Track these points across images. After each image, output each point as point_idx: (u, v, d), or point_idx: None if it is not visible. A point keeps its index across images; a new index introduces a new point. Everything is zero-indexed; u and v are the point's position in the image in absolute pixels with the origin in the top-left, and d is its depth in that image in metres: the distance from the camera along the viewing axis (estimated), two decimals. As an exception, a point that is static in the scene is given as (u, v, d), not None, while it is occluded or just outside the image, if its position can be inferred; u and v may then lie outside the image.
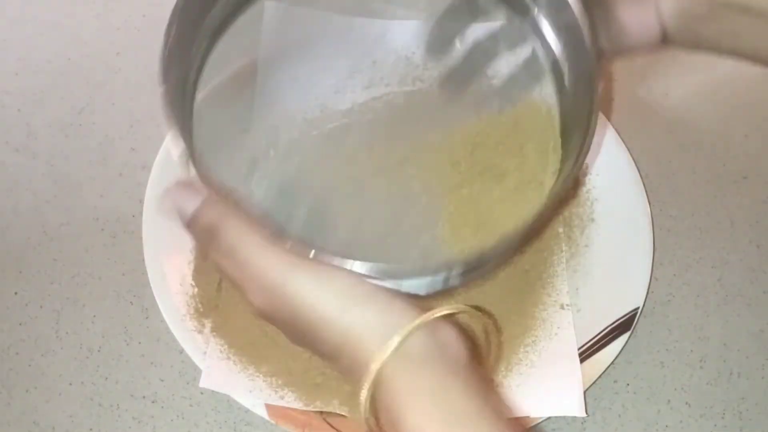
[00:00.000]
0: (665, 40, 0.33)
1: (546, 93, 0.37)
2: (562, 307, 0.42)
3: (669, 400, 0.43)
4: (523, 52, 0.38)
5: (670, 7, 0.32)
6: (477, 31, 0.38)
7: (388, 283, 0.30)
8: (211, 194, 0.30)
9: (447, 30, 0.38)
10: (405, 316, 0.27)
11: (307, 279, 0.28)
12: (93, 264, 0.46)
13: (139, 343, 0.44)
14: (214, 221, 0.29)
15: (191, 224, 0.30)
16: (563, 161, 0.35)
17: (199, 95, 0.36)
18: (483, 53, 0.38)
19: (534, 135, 0.37)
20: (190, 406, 0.42)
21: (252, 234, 0.29)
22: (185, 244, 0.44)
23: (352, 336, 0.27)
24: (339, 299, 0.27)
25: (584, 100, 0.33)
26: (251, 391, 0.40)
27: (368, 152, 0.38)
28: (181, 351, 0.41)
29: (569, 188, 0.32)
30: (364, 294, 0.28)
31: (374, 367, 0.26)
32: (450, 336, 0.28)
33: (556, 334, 0.41)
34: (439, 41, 0.39)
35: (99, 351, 0.43)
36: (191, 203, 0.30)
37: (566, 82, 0.36)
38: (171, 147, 0.31)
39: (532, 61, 0.38)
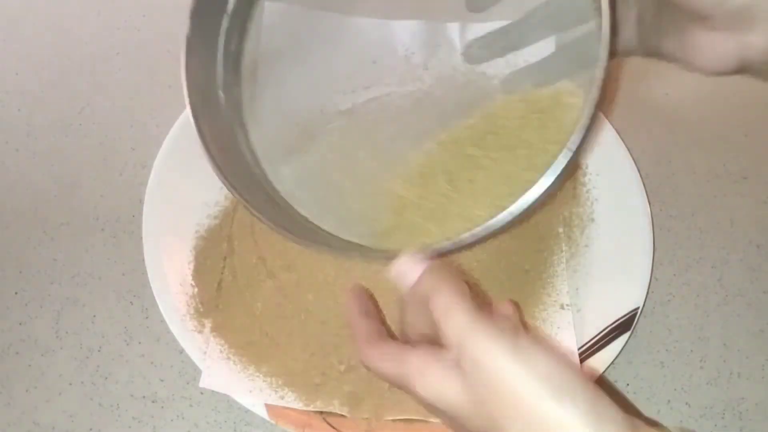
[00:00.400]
0: (742, 70, 0.31)
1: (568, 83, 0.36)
2: (562, 307, 0.42)
3: (669, 400, 0.43)
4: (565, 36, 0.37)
5: (761, 44, 0.29)
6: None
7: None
8: (430, 264, 0.30)
9: None
10: (613, 420, 0.25)
11: (512, 357, 0.26)
12: (93, 264, 0.46)
13: (139, 343, 0.44)
14: (431, 286, 0.29)
15: (411, 291, 0.30)
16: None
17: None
18: (527, 28, 0.37)
19: (544, 129, 0.37)
20: (190, 406, 0.42)
21: (463, 303, 0.28)
22: (185, 244, 0.44)
23: (550, 428, 0.24)
24: (543, 385, 0.25)
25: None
26: (251, 391, 0.40)
27: (368, 151, 0.38)
28: (181, 351, 0.41)
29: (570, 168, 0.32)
30: (569, 383, 0.25)
31: None
32: None
33: (556, 334, 0.41)
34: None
35: (99, 351, 0.43)
36: (413, 272, 0.30)
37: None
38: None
39: (563, 49, 0.36)
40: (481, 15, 0.38)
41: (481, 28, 0.38)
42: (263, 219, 0.32)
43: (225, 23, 0.36)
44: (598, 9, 0.32)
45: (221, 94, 0.37)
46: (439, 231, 0.36)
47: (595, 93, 0.30)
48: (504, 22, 0.37)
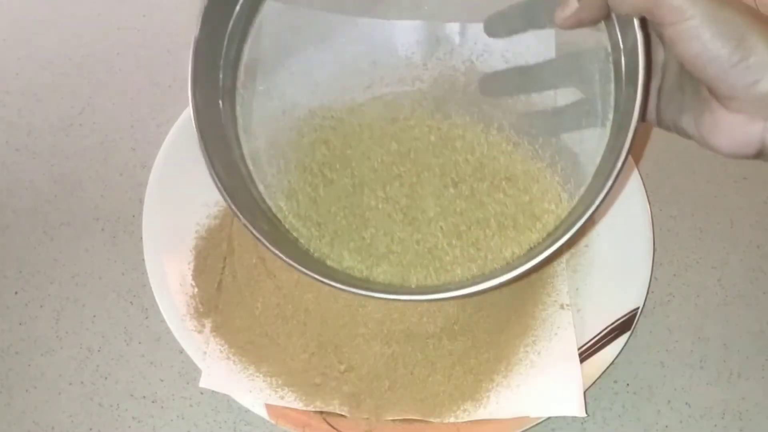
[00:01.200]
0: (760, 155, 0.30)
1: (590, 138, 0.35)
2: (562, 307, 0.42)
3: (669, 400, 0.43)
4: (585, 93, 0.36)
5: None
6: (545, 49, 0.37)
7: None
8: None
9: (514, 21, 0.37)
10: None
11: None
12: (93, 264, 0.46)
13: (139, 343, 0.44)
14: None
15: None
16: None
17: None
18: (544, 71, 0.37)
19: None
20: (190, 406, 0.42)
21: None
22: (185, 244, 0.44)
23: None
24: None
25: (614, 151, 0.32)
26: (251, 391, 0.40)
27: (367, 153, 0.38)
28: (181, 351, 0.41)
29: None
30: None
31: None
32: None
33: (556, 334, 0.41)
34: (502, 25, 0.37)
35: (99, 351, 0.43)
36: None
37: (611, 127, 0.34)
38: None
39: (587, 103, 0.36)
40: (482, 16, 0.38)
41: (481, 27, 0.38)
42: (263, 241, 0.33)
43: (230, 27, 0.37)
44: (617, 73, 0.33)
45: (221, 102, 0.37)
46: (428, 270, 0.36)
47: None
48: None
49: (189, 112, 0.45)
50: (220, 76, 0.37)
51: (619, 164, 0.31)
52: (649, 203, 0.44)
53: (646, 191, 0.45)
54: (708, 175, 0.49)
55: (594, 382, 0.40)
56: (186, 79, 0.51)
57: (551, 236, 0.35)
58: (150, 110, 0.51)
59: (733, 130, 0.29)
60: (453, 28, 0.39)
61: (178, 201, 0.44)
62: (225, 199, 0.33)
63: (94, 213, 0.47)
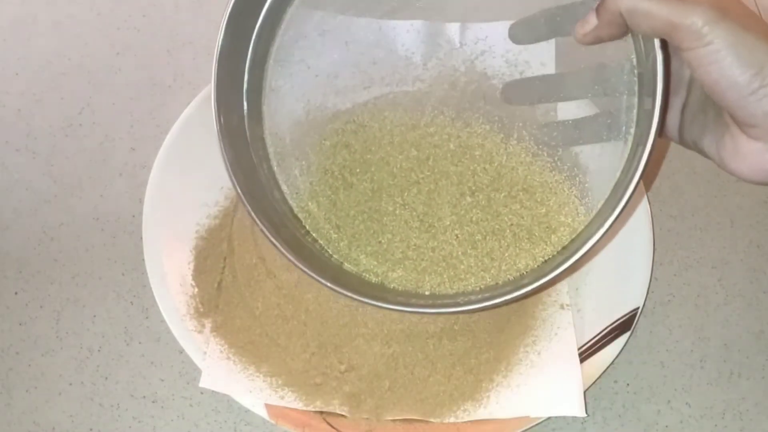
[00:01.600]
0: None
1: (609, 153, 0.35)
2: (562, 307, 0.42)
3: (669, 400, 0.43)
4: (611, 103, 0.35)
5: None
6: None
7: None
8: None
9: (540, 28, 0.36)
10: None
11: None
12: (93, 264, 0.46)
13: (139, 343, 0.44)
14: None
15: None
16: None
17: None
18: (570, 83, 0.36)
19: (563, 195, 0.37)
20: (190, 406, 0.42)
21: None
22: (185, 244, 0.44)
23: None
24: None
25: (630, 170, 0.32)
26: (251, 391, 0.40)
27: (387, 158, 0.38)
28: (181, 351, 0.41)
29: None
30: None
31: None
32: None
33: (556, 334, 0.41)
34: (530, 32, 0.36)
35: (99, 351, 0.43)
36: None
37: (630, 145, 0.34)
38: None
39: (611, 116, 0.35)
40: (482, 16, 0.38)
41: (481, 28, 0.38)
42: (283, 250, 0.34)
43: (255, 30, 0.37)
44: (641, 86, 0.32)
45: (245, 104, 0.37)
46: (442, 277, 0.37)
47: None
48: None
49: (189, 112, 0.46)
50: (245, 78, 0.37)
51: (631, 188, 0.31)
52: (649, 203, 0.44)
53: (646, 191, 0.45)
54: (708, 175, 0.49)
55: (594, 382, 0.40)
56: (185, 78, 0.51)
57: (566, 250, 0.35)
58: (150, 110, 0.51)
59: (753, 157, 0.29)
60: (453, 28, 0.39)
61: (178, 201, 0.44)
62: (244, 205, 0.34)
63: (94, 213, 0.47)
